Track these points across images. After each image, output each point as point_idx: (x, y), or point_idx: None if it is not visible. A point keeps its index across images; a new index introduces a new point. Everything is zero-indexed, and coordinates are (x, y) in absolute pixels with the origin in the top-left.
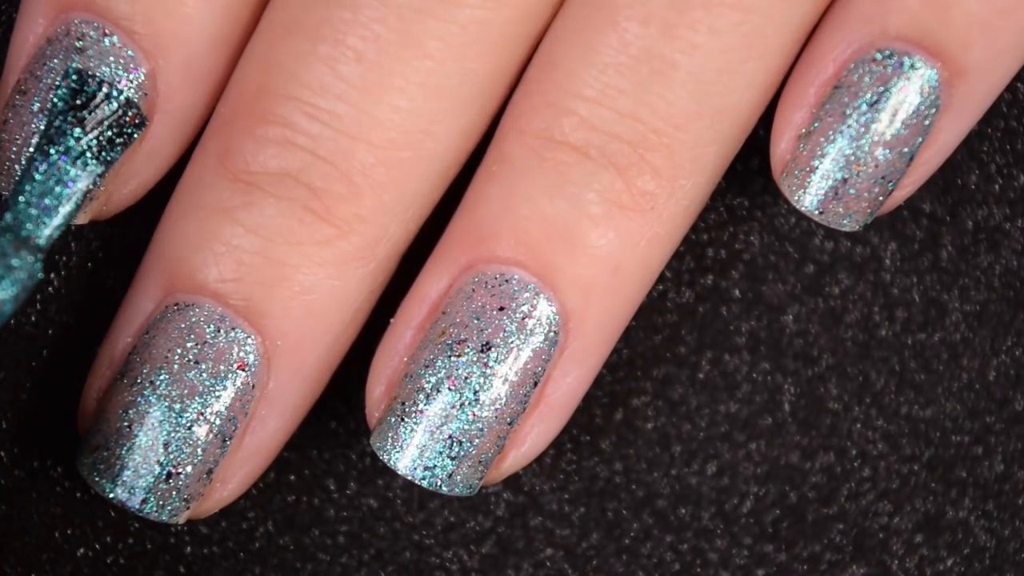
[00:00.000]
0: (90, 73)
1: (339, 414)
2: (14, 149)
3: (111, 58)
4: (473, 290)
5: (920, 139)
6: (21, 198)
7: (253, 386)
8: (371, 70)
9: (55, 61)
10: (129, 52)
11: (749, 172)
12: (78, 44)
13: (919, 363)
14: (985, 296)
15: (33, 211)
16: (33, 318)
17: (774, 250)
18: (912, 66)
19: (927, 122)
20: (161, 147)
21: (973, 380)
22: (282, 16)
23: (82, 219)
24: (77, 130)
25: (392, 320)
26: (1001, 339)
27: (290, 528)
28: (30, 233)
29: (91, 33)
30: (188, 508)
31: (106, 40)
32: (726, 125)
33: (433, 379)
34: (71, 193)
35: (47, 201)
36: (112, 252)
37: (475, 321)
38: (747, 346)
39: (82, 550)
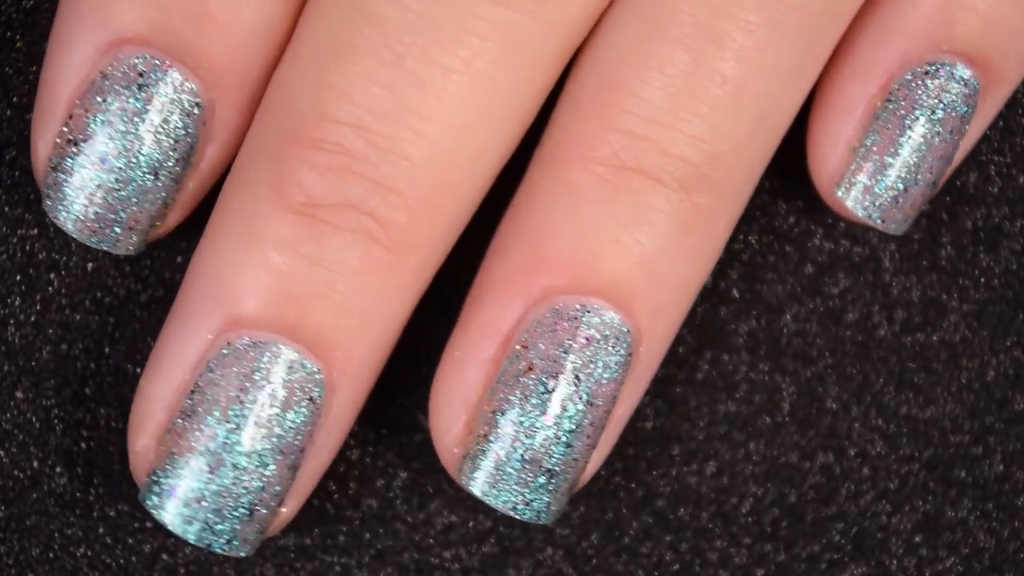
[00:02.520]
0: None
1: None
2: (80, 188)
3: (171, 92)
4: (556, 323)
5: (960, 141)
6: None
7: (319, 415)
8: (430, 94)
9: (114, 97)
10: (190, 85)
11: None
12: (140, 80)
13: (918, 363)
14: (984, 296)
15: None
16: (33, 318)
17: (773, 250)
18: (961, 78)
19: (967, 126)
20: (213, 169)
21: (972, 380)
22: (328, 39)
23: (142, 248)
24: None
25: (455, 352)
26: (1000, 339)
27: (290, 528)
28: None
29: (152, 69)
30: (262, 536)
31: (168, 75)
32: (775, 138)
33: (525, 414)
34: None
35: None
36: (112, 253)
37: (561, 354)
38: (746, 346)
39: (82, 550)
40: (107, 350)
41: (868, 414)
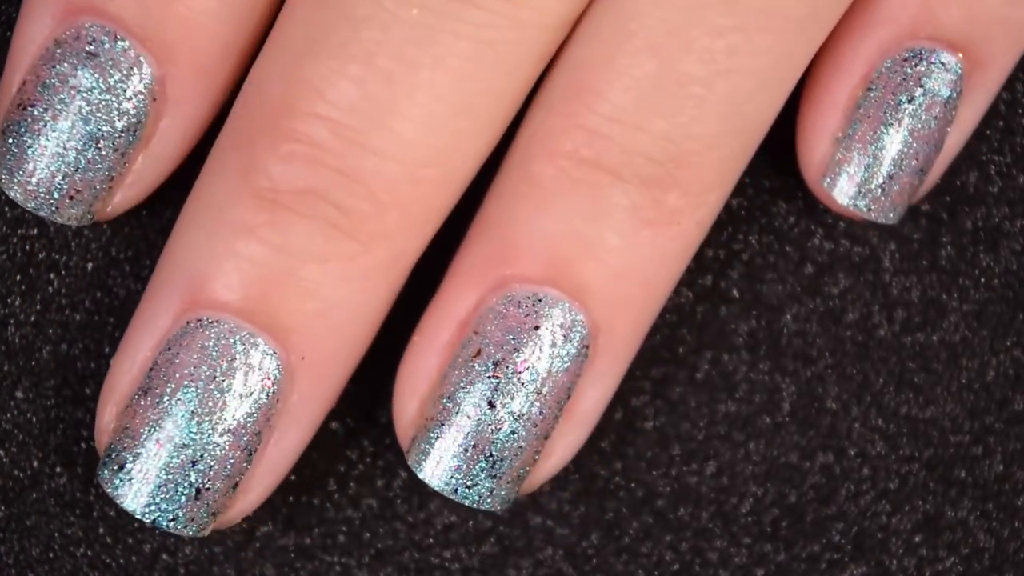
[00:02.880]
0: None
1: (339, 415)
2: (26, 153)
3: (122, 62)
4: (506, 309)
5: (947, 128)
6: None
7: (278, 400)
8: (401, 90)
9: (64, 64)
10: (140, 57)
11: (747, 173)
12: (89, 48)
13: (918, 363)
14: (984, 296)
15: None
16: (33, 318)
17: (773, 250)
18: (941, 62)
19: (953, 112)
20: (167, 151)
21: (972, 380)
22: (303, 33)
23: (86, 221)
24: None
25: (415, 338)
26: (1000, 339)
27: (290, 528)
28: None
29: (102, 37)
30: (214, 520)
31: (117, 44)
32: (749, 139)
33: (471, 399)
34: None
35: None
36: (112, 252)
37: (511, 341)
38: (746, 346)
39: (82, 550)
40: (107, 350)
41: (868, 414)
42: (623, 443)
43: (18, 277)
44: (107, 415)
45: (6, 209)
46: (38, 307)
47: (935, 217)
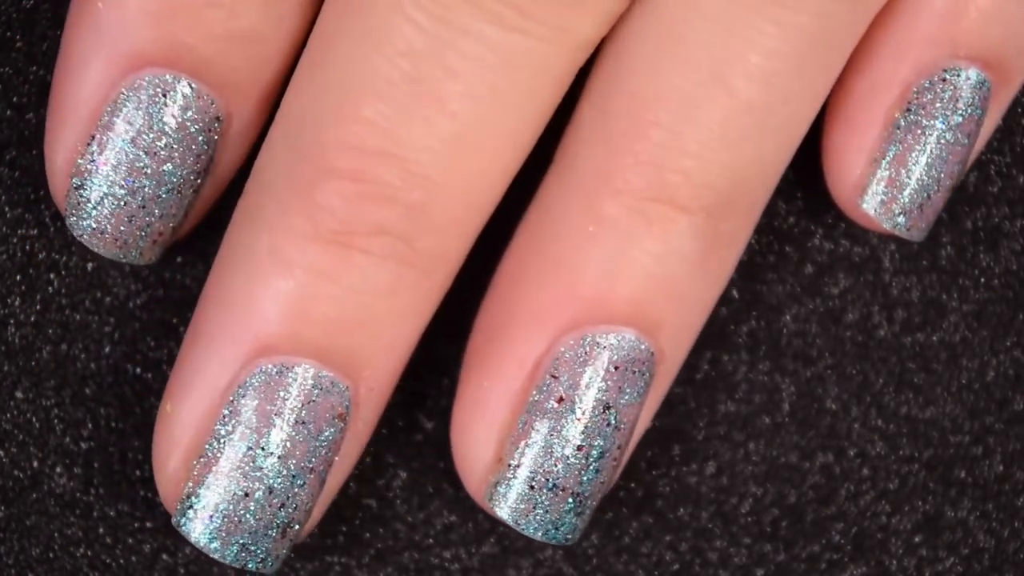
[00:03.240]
0: None
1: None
2: (96, 197)
3: (194, 109)
4: (587, 352)
5: (975, 144)
6: None
7: (346, 430)
8: (465, 127)
9: (138, 114)
10: (210, 100)
11: None
12: (163, 98)
13: (918, 363)
14: (984, 296)
15: None
16: (33, 318)
17: (773, 250)
18: (979, 82)
19: (981, 128)
20: (226, 176)
21: (972, 380)
22: (344, 68)
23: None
24: None
25: (485, 383)
26: (1000, 339)
27: None
28: None
29: (174, 84)
30: (291, 548)
31: (189, 90)
32: (790, 153)
33: (558, 444)
34: None
35: None
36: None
37: (591, 383)
38: (746, 346)
39: (82, 550)
40: (107, 350)
41: (868, 414)
42: None
43: (18, 277)
44: (172, 465)
45: (6, 209)
46: (38, 307)
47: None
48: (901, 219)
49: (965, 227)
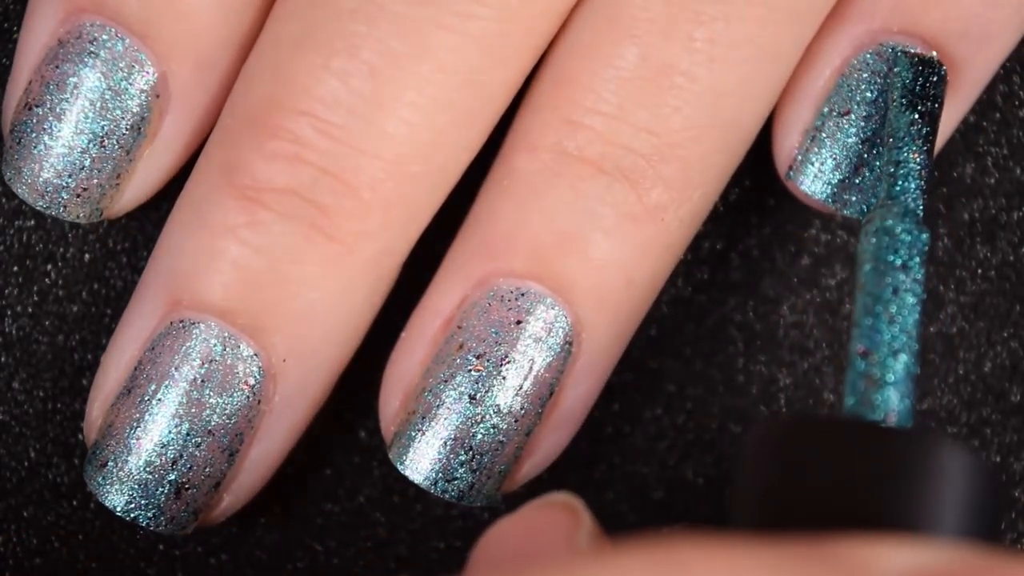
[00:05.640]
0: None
1: (336, 411)
2: (32, 152)
3: (124, 60)
4: (490, 304)
5: None
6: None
7: (259, 402)
8: (385, 84)
9: (67, 64)
10: (141, 55)
11: (744, 164)
12: (91, 48)
13: None
14: (981, 288)
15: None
16: (30, 310)
17: (769, 241)
18: (921, 60)
19: (938, 115)
20: (172, 148)
21: (969, 372)
22: (292, 28)
23: (95, 218)
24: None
25: (403, 334)
26: (997, 331)
27: (287, 520)
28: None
29: (103, 36)
30: (196, 520)
31: (119, 43)
32: (737, 135)
33: (452, 392)
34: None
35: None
36: (109, 243)
37: (493, 335)
38: (742, 338)
39: (79, 540)
40: (104, 341)
41: None
42: (619, 435)
43: (15, 268)
44: (94, 412)
45: (3, 200)
46: (35, 298)
47: (932, 209)
48: (822, 191)
49: (962, 219)
